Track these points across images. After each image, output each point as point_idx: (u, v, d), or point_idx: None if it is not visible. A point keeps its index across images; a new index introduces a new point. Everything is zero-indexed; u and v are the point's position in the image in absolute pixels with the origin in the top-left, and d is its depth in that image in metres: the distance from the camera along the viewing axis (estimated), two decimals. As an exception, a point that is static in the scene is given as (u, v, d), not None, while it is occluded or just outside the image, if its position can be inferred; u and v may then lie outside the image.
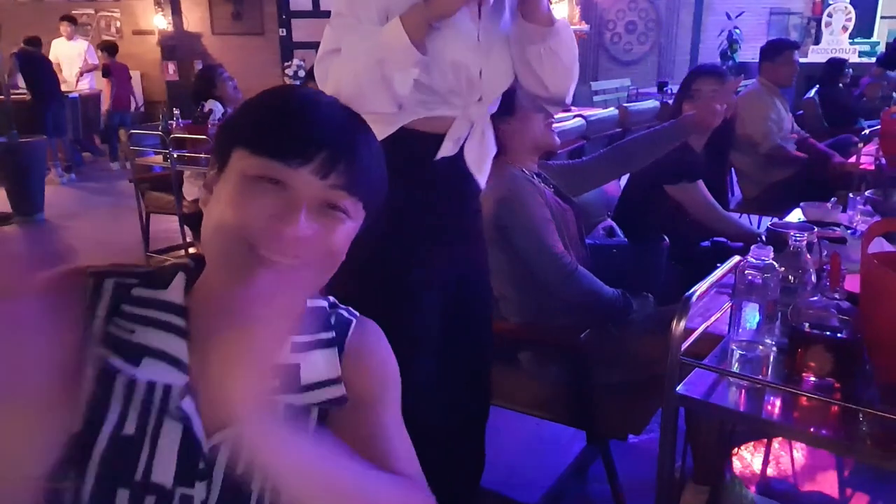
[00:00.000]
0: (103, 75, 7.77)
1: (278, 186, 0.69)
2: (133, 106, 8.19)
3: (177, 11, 8.97)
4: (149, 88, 9.18)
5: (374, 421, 0.80)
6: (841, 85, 5.32)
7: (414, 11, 1.22)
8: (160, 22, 9.05)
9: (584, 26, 9.17)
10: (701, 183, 2.35)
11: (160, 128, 3.89)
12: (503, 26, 1.37)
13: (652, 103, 5.96)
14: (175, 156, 3.74)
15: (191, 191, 3.86)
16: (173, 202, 3.91)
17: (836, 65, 5.35)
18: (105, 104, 7.91)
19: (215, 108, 4.09)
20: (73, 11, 9.12)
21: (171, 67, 8.93)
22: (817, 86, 5.39)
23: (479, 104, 1.38)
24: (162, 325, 0.72)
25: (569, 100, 1.49)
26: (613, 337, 1.82)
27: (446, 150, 1.36)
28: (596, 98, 8.10)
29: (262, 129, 0.71)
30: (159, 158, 4.10)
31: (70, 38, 7.84)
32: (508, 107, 1.69)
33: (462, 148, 1.39)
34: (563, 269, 1.78)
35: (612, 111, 5.37)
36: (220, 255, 0.71)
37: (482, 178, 1.46)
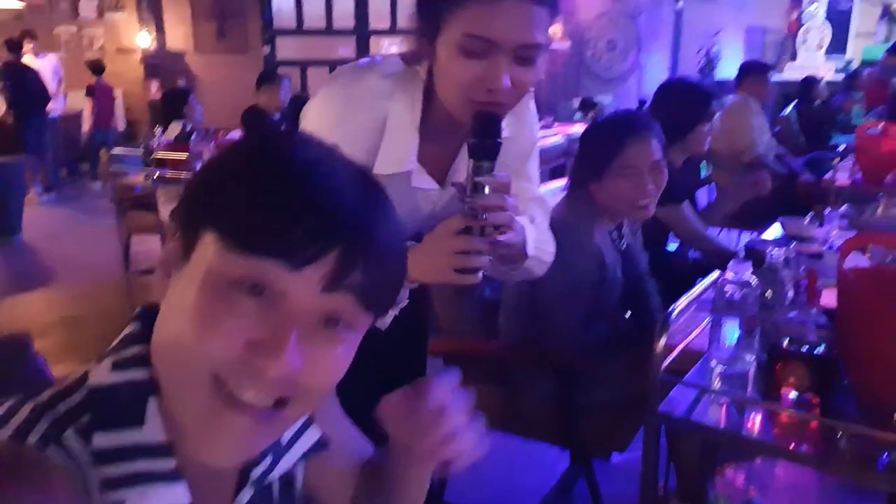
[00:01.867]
0: (87, 94, 7.74)
1: (263, 297, 0.50)
2: (115, 125, 8.15)
3: (160, 29, 8.96)
4: (131, 107, 9.14)
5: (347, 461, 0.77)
6: (817, 102, 5.44)
7: None
8: (143, 40, 9.03)
9: (566, 43, 9.30)
10: (686, 203, 2.36)
11: (141, 147, 3.87)
12: None
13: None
14: (156, 175, 3.72)
15: (167, 211, 3.84)
16: (155, 221, 3.89)
17: (811, 82, 5.51)
18: (87, 123, 7.86)
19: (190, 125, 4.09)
20: (56, 29, 9.08)
21: (154, 86, 8.90)
22: (795, 102, 5.49)
23: None
24: (156, 477, 0.54)
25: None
26: (598, 355, 1.82)
27: None
28: (575, 116, 8.17)
29: (247, 210, 0.49)
30: (140, 177, 4.08)
31: (37, 54, 7.77)
32: (595, 173, 1.72)
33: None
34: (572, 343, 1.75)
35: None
36: (177, 384, 0.53)
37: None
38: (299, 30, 8.67)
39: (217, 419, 0.51)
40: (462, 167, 1.01)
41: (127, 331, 0.60)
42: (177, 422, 0.54)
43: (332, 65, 10.00)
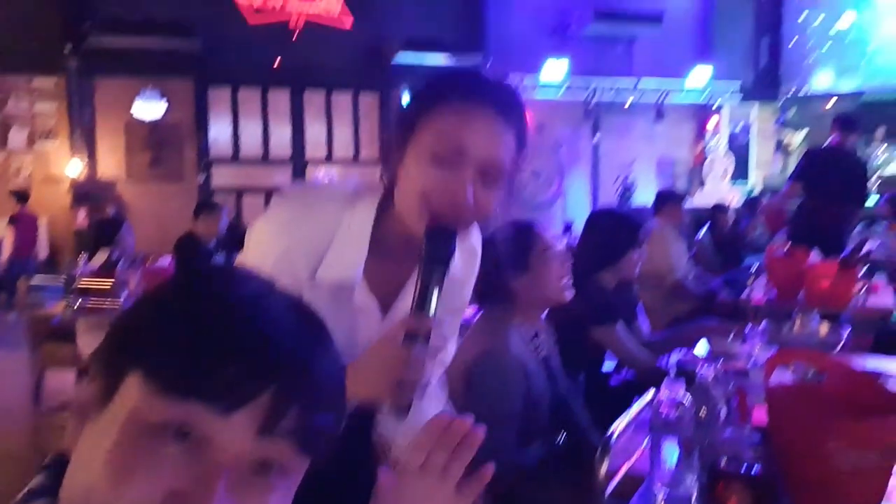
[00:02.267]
0: (9, 223, 7.51)
1: (188, 443, 0.46)
2: (36, 254, 7.88)
3: (92, 157, 8.93)
4: (56, 235, 8.87)
5: None
6: (728, 226, 5.91)
7: None
8: (73, 169, 8.95)
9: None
10: (621, 324, 2.42)
11: (64, 275, 3.73)
12: None
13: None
14: (77, 304, 3.57)
15: (86, 342, 3.65)
16: (72, 354, 3.67)
17: (720, 208, 6.10)
18: (6, 253, 7.57)
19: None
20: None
21: (82, 214, 8.73)
22: (707, 226, 5.93)
23: None
24: None
25: None
26: (537, 480, 1.77)
27: None
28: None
29: (175, 350, 0.46)
30: (60, 307, 3.89)
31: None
32: (522, 265, 1.74)
33: None
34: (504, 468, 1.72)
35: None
36: None
37: None
38: (236, 158, 8.83)
39: None
40: (408, 297, 0.99)
41: (33, 483, 0.54)
42: None
43: (269, 192, 10.16)
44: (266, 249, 1.04)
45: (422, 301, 0.92)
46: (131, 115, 8.31)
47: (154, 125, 8.40)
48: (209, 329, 0.47)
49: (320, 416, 0.51)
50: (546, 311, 1.95)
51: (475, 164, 0.93)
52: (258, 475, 0.48)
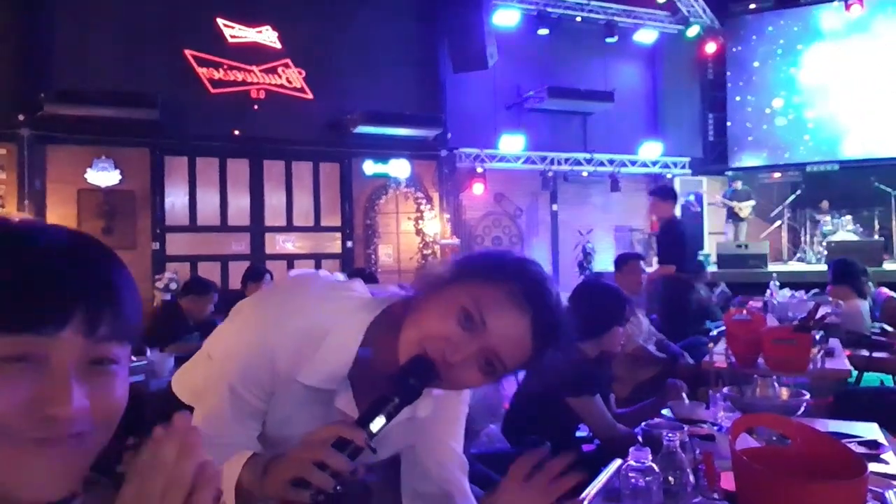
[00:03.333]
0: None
1: (32, 362, 0.56)
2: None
3: (41, 226, 8.71)
4: None
5: None
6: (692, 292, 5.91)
7: (252, 471, 0.94)
8: (21, 237, 8.72)
9: (455, 240, 9.91)
10: (598, 396, 2.38)
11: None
12: None
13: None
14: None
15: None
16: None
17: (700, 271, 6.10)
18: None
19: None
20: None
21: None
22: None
23: None
24: None
25: None
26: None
27: None
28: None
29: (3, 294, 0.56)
30: None
31: None
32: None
33: None
34: None
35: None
36: None
37: None
38: (192, 226, 8.71)
39: (28, 459, 0.56)
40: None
41: None
42: None
43: (225, 260, 9.99)
44: (248, 338, 1.03)
45: (367, 417, 0.90)
46: (84, 182, 8.18)
47: (107, 193, 8.27)
48: (18, 274, 0.57)
49: (127, 311, 0.62)
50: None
51: (485, 341, 0.94)
52: (97, 366, 0.60)
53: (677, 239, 5.36)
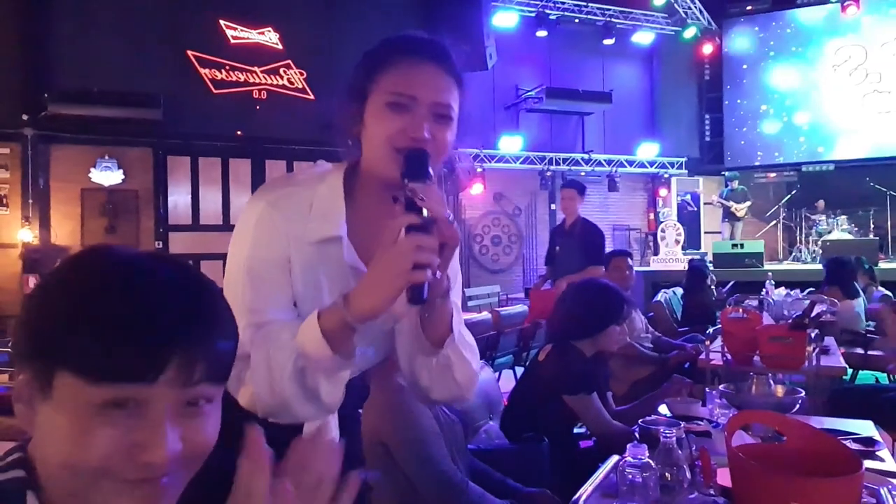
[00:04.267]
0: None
1: (129, 408, 0.58)
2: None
3: (45, 225, 8.73)
4: (4, 303, 8.55)
5: None
6: (708, 286, 5.84)
7: (333, 314, 0.98)
8: (25, 236, 8.72)
9: (455, 240, 9.94)
10: (595, 394, 2.42)
11: (11, 343, 3.58)
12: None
13: (521, 308, 6.35)
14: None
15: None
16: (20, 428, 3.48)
17: (697, 270, 5.93)
18: (-55, 322, 7.24)
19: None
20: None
21: (32, 281, 8.45)
22: (676, 289, 5.95)
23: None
24: None
25: (457, 401, 1.25)
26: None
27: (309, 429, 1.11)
28: (470, 303, 8.50)
29: (94, 351, 0.57)
30: (6, 378, 3.72)
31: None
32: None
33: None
34: (452, 487, 1.71)
35: (485, 315, 5.63)
36: (75, 492, 0.60)
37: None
38: (195, 225, 8.75)
39: (124, 499, 0.59)
40: None
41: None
42: None
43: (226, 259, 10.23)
44: (255, 233, 1.09)
45: (410, 207, 0.97)
46: (88, 182, 8.21)
47: (111, 192, 8.30)
48: (116, 325, 0.57)
49: (222, 351, 0.63)
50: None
51: (427, 107, 1.06)
52: (191, 407, 0.61)
53: (601, 237, 5.17)
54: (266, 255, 1.08)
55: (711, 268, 7.43)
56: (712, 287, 6.02)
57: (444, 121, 1.09)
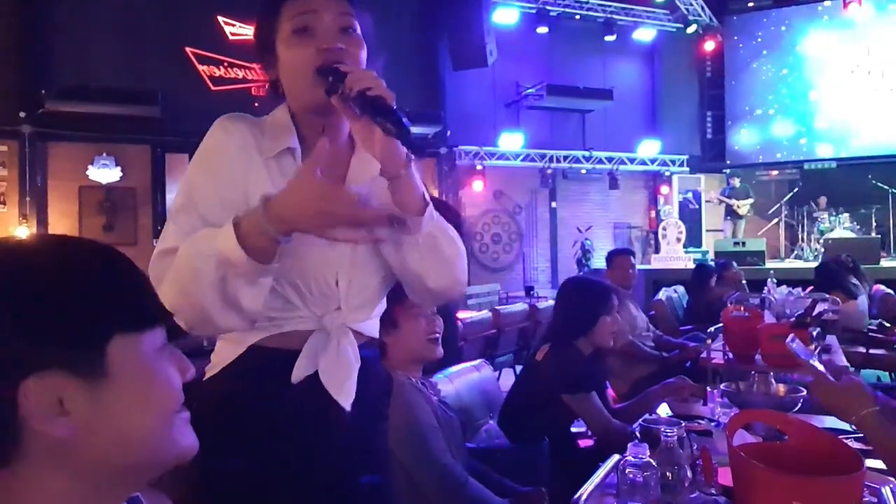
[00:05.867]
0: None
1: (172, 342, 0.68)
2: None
3: (42, 223, 8.72)
4: None
5: None
6: (712, 284, 5.77)
7: (252, 219, 0.96)
8: (22, 233, 8.72)
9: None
10: (594, 393, 2.41)
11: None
12: None
13: (521, 306, 6.33)
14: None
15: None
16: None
17: (703, 269, 5.89)
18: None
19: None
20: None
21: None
22: (678, 287, 5.91)
23: (336, 313, 1.14)
24: None
25: (457, 292, 1.27)
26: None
27: (301, 368, 1.10)
28: (470, 301, 8.48)
29: (137, 302, 0.65)
30: None
31: None
32: (390, 320, 1.71)
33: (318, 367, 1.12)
34: (452, 481, 1.70)
35: (485, 314, 5.61)
36: (151, 446, 0.64)
37: (345, 399, 1.12)
38: (193, 223, 8.73)
39: (179, 430, 0.66)
40: (355, 170, 1.16)
41: None
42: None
43: (225, 257, 10.24)
44: (207, 143, 1.14)
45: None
46: (86, 179, 8.19)
47: (109, 190, 8.28)
48: (130, 285, 0.66)
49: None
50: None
51: (331, 20, 1.09)
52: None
53: None
54: (216, 161, 1.12)
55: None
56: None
57: (352, 35, 1.11)
